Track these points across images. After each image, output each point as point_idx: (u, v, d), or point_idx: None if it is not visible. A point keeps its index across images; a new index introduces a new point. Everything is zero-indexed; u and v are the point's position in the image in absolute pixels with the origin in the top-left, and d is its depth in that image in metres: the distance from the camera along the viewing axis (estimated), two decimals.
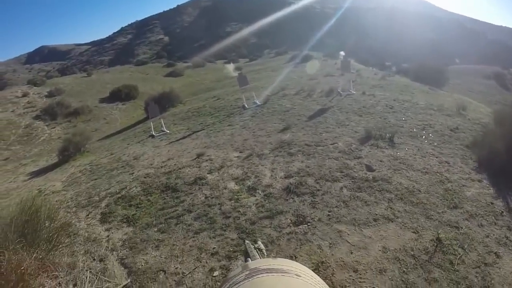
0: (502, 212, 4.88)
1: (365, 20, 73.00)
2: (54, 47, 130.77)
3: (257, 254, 0.95)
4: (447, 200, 5.10)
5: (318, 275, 3.13)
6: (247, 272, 0.56)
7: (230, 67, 37.10)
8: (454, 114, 9.67)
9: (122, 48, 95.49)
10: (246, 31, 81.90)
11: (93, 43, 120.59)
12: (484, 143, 6.82)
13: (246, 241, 1.13)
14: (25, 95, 23.79)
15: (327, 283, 3.37)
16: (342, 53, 15.93)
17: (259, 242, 1.11)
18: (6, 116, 19.99)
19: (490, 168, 6.07)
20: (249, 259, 0.91)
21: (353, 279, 3.70)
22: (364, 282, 3.66)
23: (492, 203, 5.08)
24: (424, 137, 7.65)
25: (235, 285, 0.53)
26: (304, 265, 3.80)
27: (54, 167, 11.28)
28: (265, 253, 1.00)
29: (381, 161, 6.39)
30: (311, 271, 0.60)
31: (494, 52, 56.57)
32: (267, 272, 0.54)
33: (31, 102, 22.50)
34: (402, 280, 3.66)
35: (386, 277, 3.72)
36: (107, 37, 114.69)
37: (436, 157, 6.57)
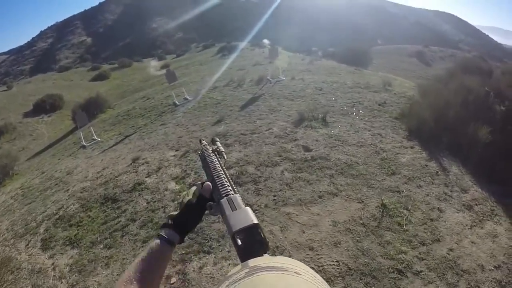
0: (437, 172, 5.17)
1: (289, 9, 74.49)
2: None
3: (215, 159, 0.89)
4: (384, 168, 5.28)
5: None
6: (247, 270, 0.54)
7: (154, 64, 35.78)
8: (381, 90, 10.10)
9: (42, 54, 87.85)
10: (172, 25, 80.00)
11: (11, 52, 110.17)
12: (411, 114, 7.18)
13: (203, 142, 0.98)
14: None
15: None
16: (265, 41, 16.01)
17: (218, 143, 0.98)
18: None
19: (419, 135, 6.43)
20: (208, 183, 0.85)
21: (311, 257, 3.67)
22: (322, 257, 3.65)
23: (426, 165, 5.35)
24: (355, 113, 7.88)
25: (234, 283, 0.51)
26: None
27: None
28: (225, 157, 0.94)
29: (317, 140, 6.46)
30: (311, 269, 0.59)
31: (415, 33, 60.75)
32: (267, 270, 0.52)
33: None
34: (358, 249, 3.70)
35: (341, 249, 3.73)
36: (26, 44, 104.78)
37: (369, 131, 6.79)
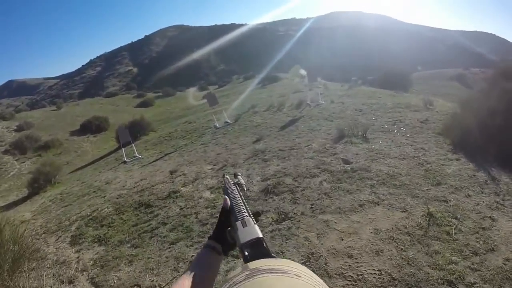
0: (486, 181, 4.82)
1: (328, 39, 75.16)
2: (23, 81, 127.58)
3: (236, 190, 1.00)
4: (429, 179, 5.00)
5: (310, 267, 2.77)
6: (247, 273, 0.55)
7: (193, 93, 36.85)
8: (422, 109, 9.82)
9: (91, 80, 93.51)
10: (214, 58, 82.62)
11: (62, 77, 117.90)
12: (455, 127, 6.85)
13: (226, 176, 1.10)
14: None
15: (321, 274, 3.04)
16: (302, 71, 16.30)
17: (239, 177, 1.08)
18: None
19: (465, 148, 6.09)
20: (226, 197, 1.00)
21: (349, 265, 3.43)
22: (362, 266, 3.39)
23: (474, 175, 5.02)
24: (396, 130, 7.66)
25: (235, 285, 0.53)
26: (293, 258, 3.49)
27: (24, 200, 10.56)
28: (245, 188, 1.06)
29: (357, 154, 6.28)
30: (311, 271, 0.60)
31: (454, 56, 59.27)
32: (267, 273, 0.53)
33: (0, 137, 21.51)
34: (402, 258, 3.42)
35: (384, 257, 3.46)
36: (76, 70, 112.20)
37: (411, 145, 6.53)
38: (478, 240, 3.59)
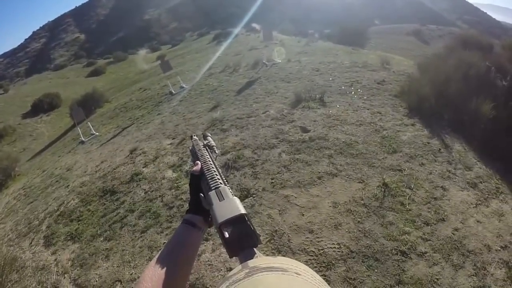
0: (440, 149, 5.02)
1: None
2: None
3: (206, 153, 0.87)
4: (385, 146, 5.13)
5: (274, 245, 2.80)
6: (247, 271, 0.53)
7: (143, 55, 35.49)
8: (379, 68, 9.89)
9: (37, 54, 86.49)
10: (165, 16, 78.93)
11: (5, 55, 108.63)
12: (411, 90, 6.99)
13: (194, 137, 0.95)
14: None
15: (285, 251, 3.12)
16: (255, 25, 15.80)
17: (209, 138, 0.94)
18: None
19: (420, 113, 6.25)
20: (198, 162, 0.92)
21: (310, 240, 3.54)
22: (322, 240, 3.52)
23: (428, 143, 5.20)
24: (353, 93, 7.69)
25: (234, 283, 0.50)
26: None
27: None
28: (216, 151, 0.94)
29: (314, 121, 6.29)
30: (311, 269, 0.58)
31: (411, 12, 59.76)
32: (267, 271, 0.52)
33: None
34: (359, 230, 3.58)
35: (343, 231, 3.61)
36: (19, 45, 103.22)
37: (368, 109, 6.61)
38: (429, 210, 3.78)
